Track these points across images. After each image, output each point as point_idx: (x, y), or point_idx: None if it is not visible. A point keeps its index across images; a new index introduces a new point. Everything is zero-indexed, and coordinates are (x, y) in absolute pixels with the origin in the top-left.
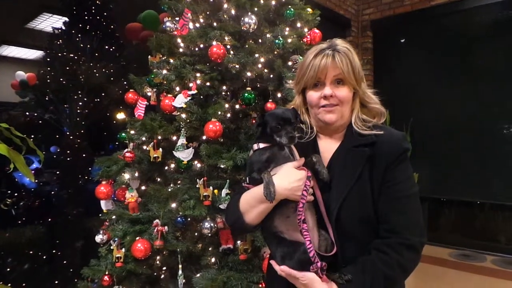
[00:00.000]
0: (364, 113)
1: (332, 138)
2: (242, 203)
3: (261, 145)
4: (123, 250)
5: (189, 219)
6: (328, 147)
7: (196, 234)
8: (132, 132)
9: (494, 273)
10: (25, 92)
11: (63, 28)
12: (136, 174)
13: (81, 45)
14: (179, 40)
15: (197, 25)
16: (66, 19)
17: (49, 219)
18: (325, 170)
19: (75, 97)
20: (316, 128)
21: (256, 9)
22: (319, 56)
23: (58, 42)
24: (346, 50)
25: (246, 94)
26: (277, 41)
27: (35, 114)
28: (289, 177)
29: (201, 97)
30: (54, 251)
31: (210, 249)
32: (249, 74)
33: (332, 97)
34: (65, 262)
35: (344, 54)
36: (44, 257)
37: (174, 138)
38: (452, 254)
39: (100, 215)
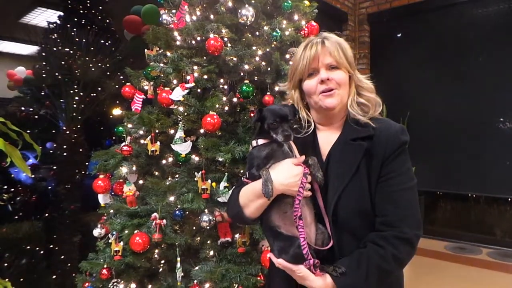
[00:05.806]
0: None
1: (331, 129)
2: (241, 197)
3: (260, 142)
4: (122, 243)
5: (187, 212)
6: (327, 140)
7: (194, 227)
8: (130, 125)
9: (490, 265)
10: (26, 88)
11: (58, 22)
12: (134, 168)
13: (77, 40)
14: (176, 33)
15: (194, 17)
16: (61, 13)
17: (46, 214)
18: (320, 174)
19: (71, 92)
20: (316, 120)
21: (253, 1)
22: (309, 46)
23: (53, 37)
24: (335, 37)
25: (244, 87)
26: (274, 33)
27: (31, 110)
28: (285, 173)
29: (199, 90)
30: (51, 246)
31: (208, 242)
32: (246, 67)
33: (329, 81)
34: (63, 256)
35: (334, 40)
36: (42, 252)
37: (172, 131)
38: (448, 247)
39: (97, 209)
